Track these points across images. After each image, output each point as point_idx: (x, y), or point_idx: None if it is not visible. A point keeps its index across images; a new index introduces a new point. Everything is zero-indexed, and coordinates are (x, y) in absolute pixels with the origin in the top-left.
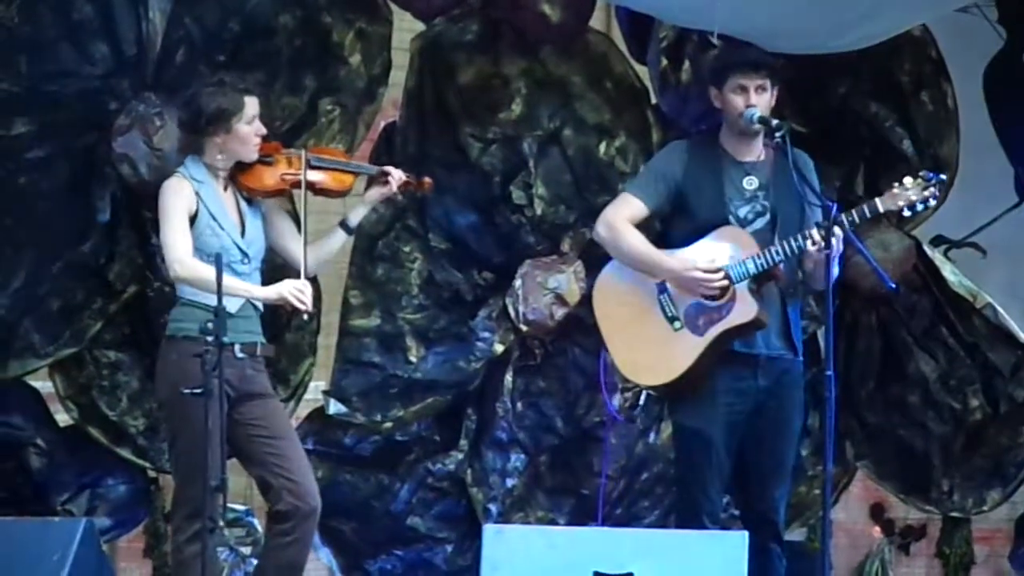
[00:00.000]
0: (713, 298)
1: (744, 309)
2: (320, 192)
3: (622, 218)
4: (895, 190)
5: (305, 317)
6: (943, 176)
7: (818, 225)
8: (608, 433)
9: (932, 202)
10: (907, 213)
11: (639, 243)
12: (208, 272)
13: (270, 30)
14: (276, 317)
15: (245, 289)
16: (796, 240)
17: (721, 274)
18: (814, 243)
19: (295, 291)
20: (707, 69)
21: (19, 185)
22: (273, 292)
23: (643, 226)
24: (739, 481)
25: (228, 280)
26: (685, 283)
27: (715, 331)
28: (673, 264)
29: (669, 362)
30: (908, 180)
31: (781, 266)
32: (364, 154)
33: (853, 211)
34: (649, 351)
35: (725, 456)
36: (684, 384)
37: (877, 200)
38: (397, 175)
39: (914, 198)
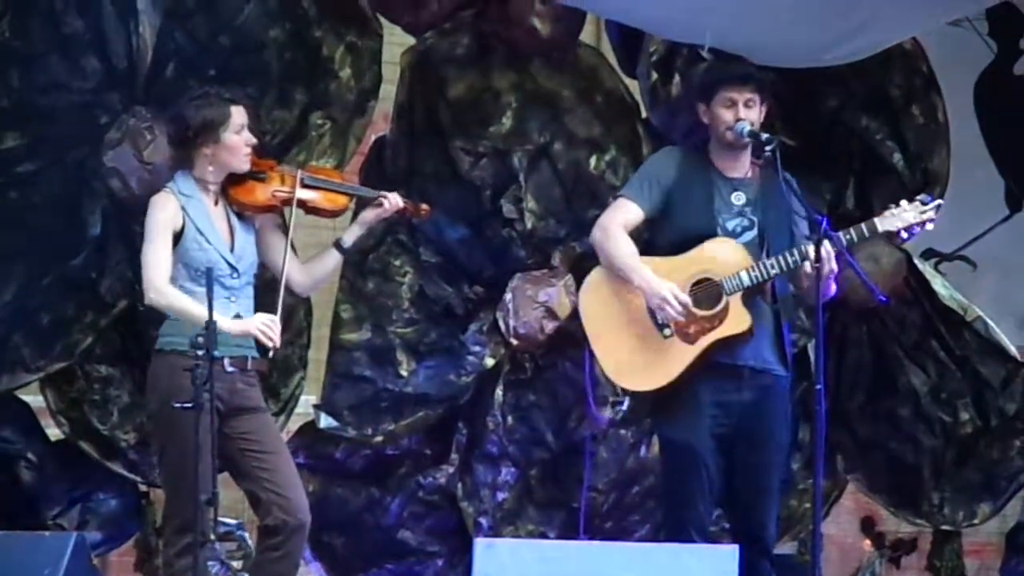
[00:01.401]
0: (706, 306)
1: (737, 320)
2: (312, 211)
3: (617, 223)
4: (894, 210)
5: (271, 355)
6: (940, 201)
7: (814, 240)
8: (589, 442)
9: (930, 226)
10: (904, 236)
11: (626, 250)
12: (183, 303)
13: (260, 44)
14: None
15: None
16: (792, 255)
17: (684, 310)
18: (812, 263)
19: (263, 326)
20: (695, 84)
21: (10, 199)
22: (239, 327)
23: (635, 232)
24: (727, 497)
25: (197, 309)
26: (650, 299)
27: (707, 340)
28: (648, 277)
29: (658, 369)
30: (905, 203)
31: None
32: (355, 168)
33: (851, 230)
34: (637, 356)
35: (713, 469)
36: (669, 392)
37: (876, 220)
38: (393, 199)
39: (912, 221)
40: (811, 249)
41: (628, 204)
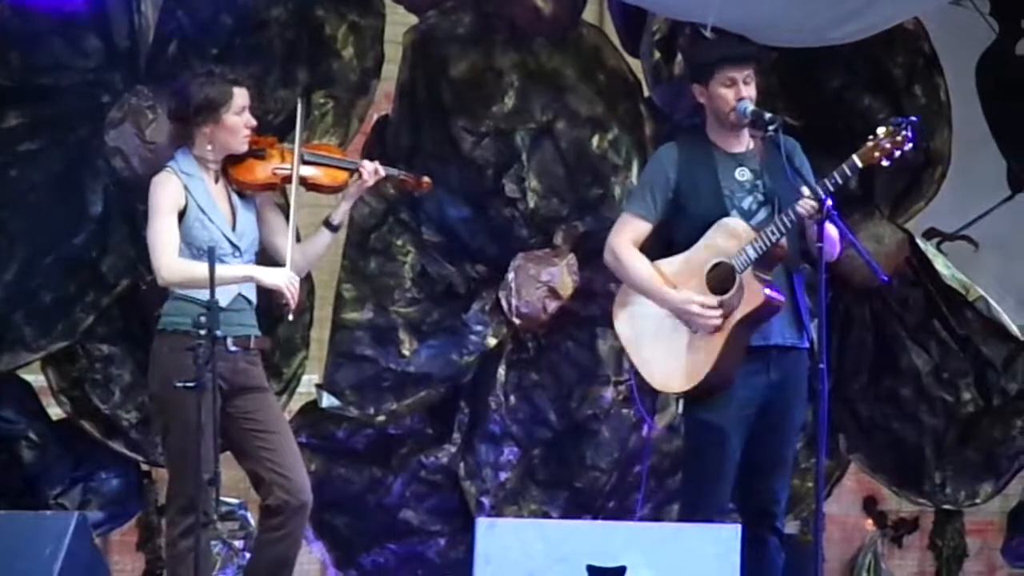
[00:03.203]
0: (721, 291)
1: (752, 295)
2: (313, 188)
3: (626, 242)
4: (869, 143)
5: (290, 317)
6: (914, 118)
7: (807, 192)
8: (648, 437)
9: (908, 146)
10: (886, 163)
11: (642, 271)
12: (196, 269)
13: (262, 23)
14: (270, 310)
15: (245, 274)
16: (789, 214)
17: (719, 311)
18: (807, 212)
19: (291, 283)
20: (690, 66)
21: (11, 178)
22: (270, 277)
23: (648, 241)
24: (740, 473)
25: (226, 268)
26: (682, 316)
27: (731, 323)
28: (673, 296)
29: (694, 364)
30: (880, 130)
31: (784, 242)
32: (357, 147)
33: (834, 172)
34: (674, 358)
35: (736, 449)
36: (713, 382)
37: (855, 156)
38: (369, 168)
39: (889, 147)
40: (805, 203)
41: (633, 220)
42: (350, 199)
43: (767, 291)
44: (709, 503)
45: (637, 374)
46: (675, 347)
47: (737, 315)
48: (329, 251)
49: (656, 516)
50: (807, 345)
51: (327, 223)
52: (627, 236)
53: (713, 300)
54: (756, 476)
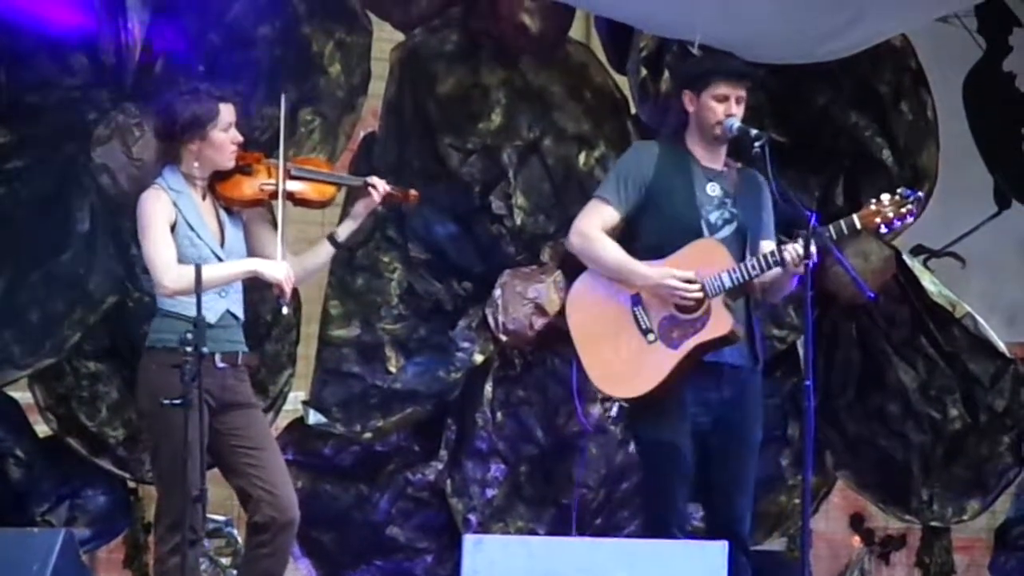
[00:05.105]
0: (688, 310)
1: (719, 323)
2: (300, 202)
3: (595, 226)
4: (872, 207)
5: (285, 310)
6: (920, 193)
7: (797, 235)
8: (584, 442)
9: (909, 219)
10: (884, 230)
11: (615, 252)
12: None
13: (249, 40)
14: (256, 327)
15: (247, 268)
16: (774, 255)
17: (698, 286)
18: (792, 259)
19: (288, 279)
20: (685, 72)
21: None
22: (271, 270)
23: (612, 233)
24: (703, 494)
25: (228, 264)
26: (661, 292)
27: (690, 344)
28: (650, 273)
29: (642, 375)
30: (885, 197)
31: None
32: (344, 164)
33: (830, 226)
34: (622, 363)
35: (692, 465)
36: (655, 397)
37: (855, 216)
38: (381, 186)
39: (891, 215)
40: (791, 249)
41: (603, 206)
42: (358, 218)
43: (733, 322)
44: (668, 519)
45: (579, 365)
46: (625, 352)
47: (699, 338)
48: (327, 266)
49: (644, 533)
50: (754, 367)
51: (331, 238)
52: (596, 221)
53: (689, 274)
54: (718, 497)
